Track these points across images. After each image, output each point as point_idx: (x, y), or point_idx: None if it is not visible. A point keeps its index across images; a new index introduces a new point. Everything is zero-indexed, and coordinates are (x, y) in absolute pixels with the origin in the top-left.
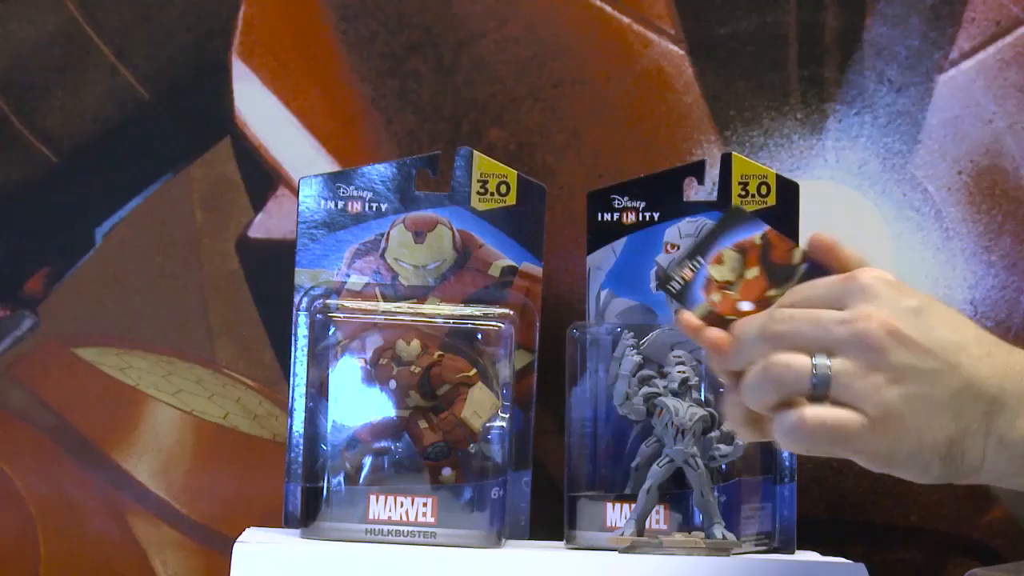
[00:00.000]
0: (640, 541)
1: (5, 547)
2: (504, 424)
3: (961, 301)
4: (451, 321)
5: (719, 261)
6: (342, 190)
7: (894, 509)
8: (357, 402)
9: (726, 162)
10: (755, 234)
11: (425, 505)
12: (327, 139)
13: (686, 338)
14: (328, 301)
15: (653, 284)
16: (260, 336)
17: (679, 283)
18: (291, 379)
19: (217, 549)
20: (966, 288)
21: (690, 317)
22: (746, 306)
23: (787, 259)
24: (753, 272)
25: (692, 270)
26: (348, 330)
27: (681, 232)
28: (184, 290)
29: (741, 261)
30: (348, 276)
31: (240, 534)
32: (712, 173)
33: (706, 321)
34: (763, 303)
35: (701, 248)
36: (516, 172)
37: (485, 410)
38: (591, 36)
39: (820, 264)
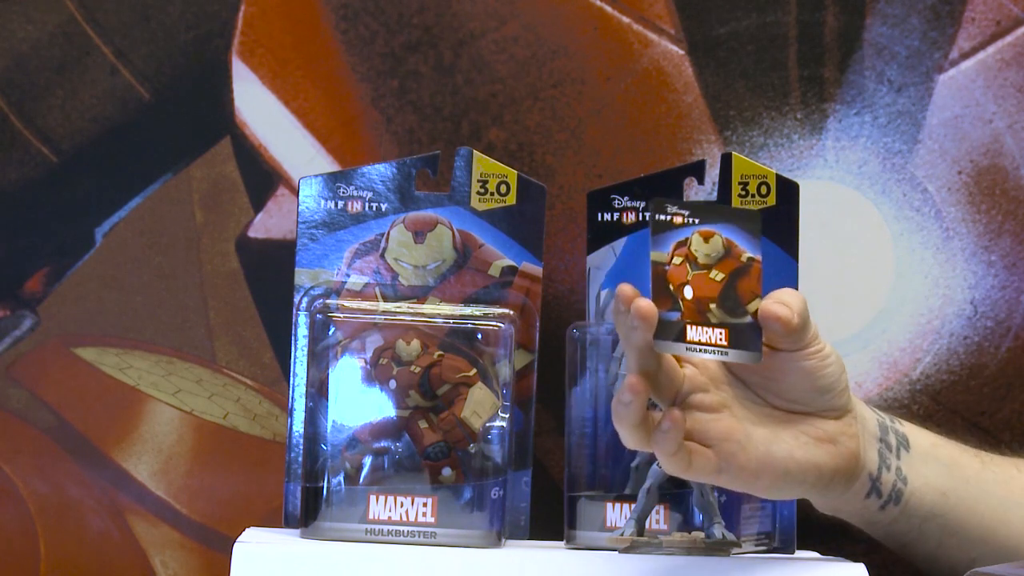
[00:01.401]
0: (640, 541)
1: (5, 547)
2: (504, 424)
3: (961, 301)
4: (451, 321)
5: (707, 238)
6: (342, 190)
7: None
8: (357, 402)
9: (726, 162)
10: (747, 251)
11: (425, 505)
12: (327, 139)
13: None
14: (328, 301)
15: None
16: (260, 336)
17: (664, 219)
18: (291, 379)
19: (217, 549)
20: (966, 288)
21: (635, 294)
22: (688, 294)
23: (746, 297)
24: (717, 276)
25: (683, 220)
26: (348, 330)
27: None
28: (184, 290)
29: (720, 257)
30: (348, 276)
31: (240, 534)
32: (712, 173)
33: (652, 271)
34: (701, 307)
35: (707, 212)
36: (516, 172)
37: (485, 410)
38: (591, 36)
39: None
